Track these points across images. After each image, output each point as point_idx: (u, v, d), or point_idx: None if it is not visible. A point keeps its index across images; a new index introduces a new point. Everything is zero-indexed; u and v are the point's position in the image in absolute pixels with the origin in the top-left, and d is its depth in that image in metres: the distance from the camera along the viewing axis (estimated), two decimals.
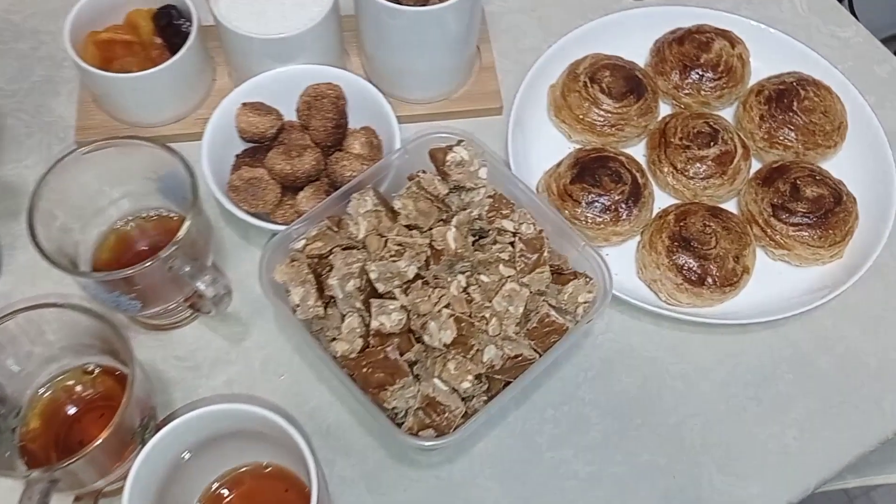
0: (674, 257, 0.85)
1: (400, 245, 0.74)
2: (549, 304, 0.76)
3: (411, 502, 0.78)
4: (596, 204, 0.87)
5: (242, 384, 0.83)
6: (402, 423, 0.72)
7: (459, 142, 0.80)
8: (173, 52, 0.90)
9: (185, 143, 0.93)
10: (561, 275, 0.79)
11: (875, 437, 0.83)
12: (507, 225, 0.79)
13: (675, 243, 0.86)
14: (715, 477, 0.80)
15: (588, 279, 0.77)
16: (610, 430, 0.82)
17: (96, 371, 0.75)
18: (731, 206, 0.93)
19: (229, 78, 0.98)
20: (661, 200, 0.92)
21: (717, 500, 0.79)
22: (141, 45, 0.93)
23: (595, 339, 0.86)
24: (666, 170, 0.92)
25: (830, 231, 0.87)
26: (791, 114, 0.93)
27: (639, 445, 0.81)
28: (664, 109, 0.98)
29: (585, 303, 0.77)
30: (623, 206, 0.88)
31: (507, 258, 0.76)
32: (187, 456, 0.68)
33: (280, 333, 0.85)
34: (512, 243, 0.78)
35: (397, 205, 0.77)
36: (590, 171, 0.88)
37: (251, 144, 0.89)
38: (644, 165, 0.93)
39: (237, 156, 0.88)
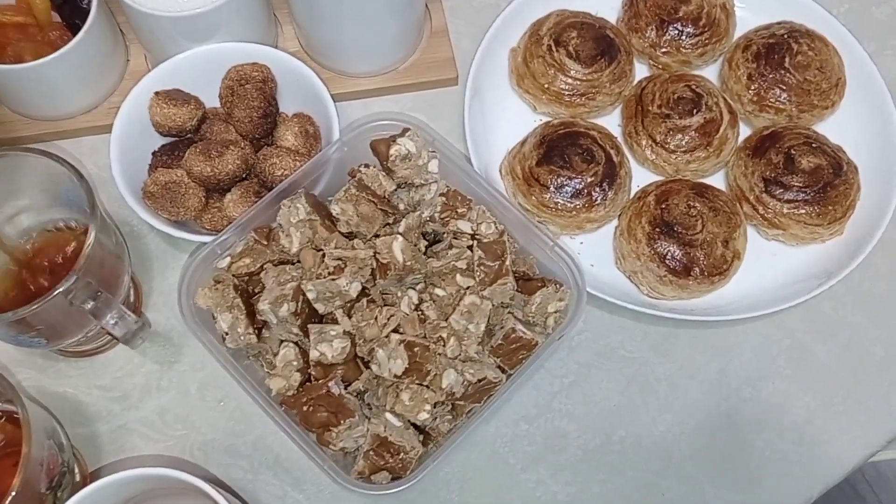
0: (655, 245, 0.75)
1: (339, 259, 0.64)
2: (515, 318, 0.66)
3: None
4: (566, 188, 0.77)
5: (177, 413, 0.74)
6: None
7: (404, 131, 0.69)
8: (75, 32, 0.77)
9: (100, 137, 0.82)
10: (528, 281, 0.69)
11: (882, 436, 0.75)
12: (464, 226, 0.69)
13: (657, 229, 0.76)
14: (708, 492, 0.72)
15: (558, 286, 0.68)
16: (590, 445, 0.74)
17: None
18: (717, 180, 0.83)
19: (146, 59, 0.85)
20: (640, 177, 0.82)
21: None
22: (37, 26, 0.80)
23: (571, 341, 0.77)
24: (644, 143, 0.81)
25: (830, 207, 0.77)
26: (783, 71, 0.82)
27: (623, 460, 0.73)
28: (640, 71, 0.87)
29: (556, 312, 0.67)
30: (597, 189, 0.77)
31: (464, 266, 0.66)
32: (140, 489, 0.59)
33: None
34: (471, 247, 0.68)
35: (335, 210, 0.67)
36: (558, 151, 0.78)
37: (171, 139, 0.78)
38: (620, 139, 0.83)
39: (154, 153, 0.77)
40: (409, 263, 0.64)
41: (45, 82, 0.78)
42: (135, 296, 0.77)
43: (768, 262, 0.80)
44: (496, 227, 0.69)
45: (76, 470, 0.69)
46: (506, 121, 0.85)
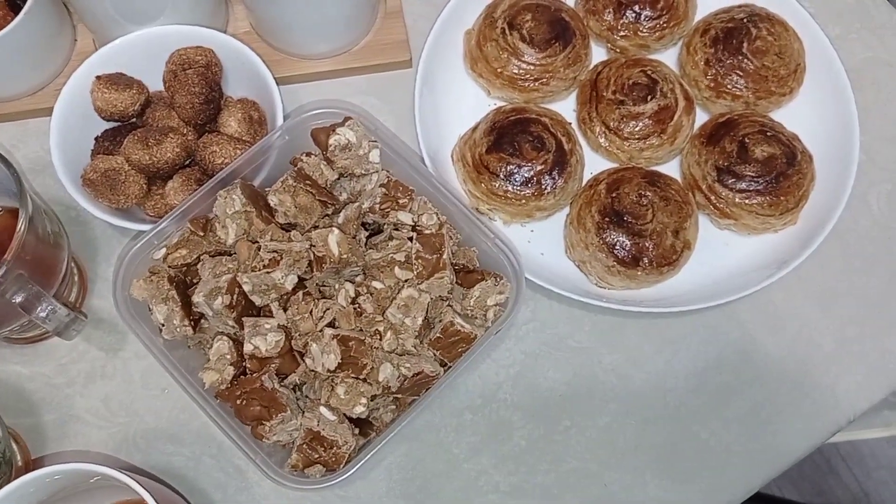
0: (604, 235, 0.75)
1: (275, 252, 0.63)
2: (455, 311, 0.66)
3: None
4: (515, 176, 0.76)
5: (121, 401, 0.74)
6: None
7: (345, 120, 0.68)
8: (17, 11, 0.75)
9: (46, 119, 0.81)
10: (468, 274, 0.68)
11: (827, 428, 0.75)
12: (405, 217, 0.68)
13: (606, 219, 0.75)
14: (650, 482, 0.72)
15: (498, 279, 0.67)
16: (535, 435, 0.73)
17: None
18: (672, 168, 0.82)
19: (93, 41, 0.84)
20: (593, 164, 0.81)
21: None
22: None
23: (518, 331, 0.76)
24: (598, 129, 0.80)
25: (782, 197, 0.76)
26: (740, 57, 0.80)
27: (566, 451, 0.73)
28: (598, 54, 0.85)
29: (497, 305, 0.67)
30: (546, 177, 0.76)
31: (403, 259, 0.66)
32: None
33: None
34: (411, 239, 0.67)
35: (273, 201, 0.66)
36: (508, 138, 0.77)
37: (114, 123, 0.76)
38: (574, 124, 0.81)
39: (97, 139, 0.76)
40: (345, 256, 0.64)
41: None
42: (79, 282, 0.76)
43: (720, 251, 0.79)
44: (437, 219, 0.68)
45: (18, 459, 0.69)
46: (459, 105, 0.84)
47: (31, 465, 0.71)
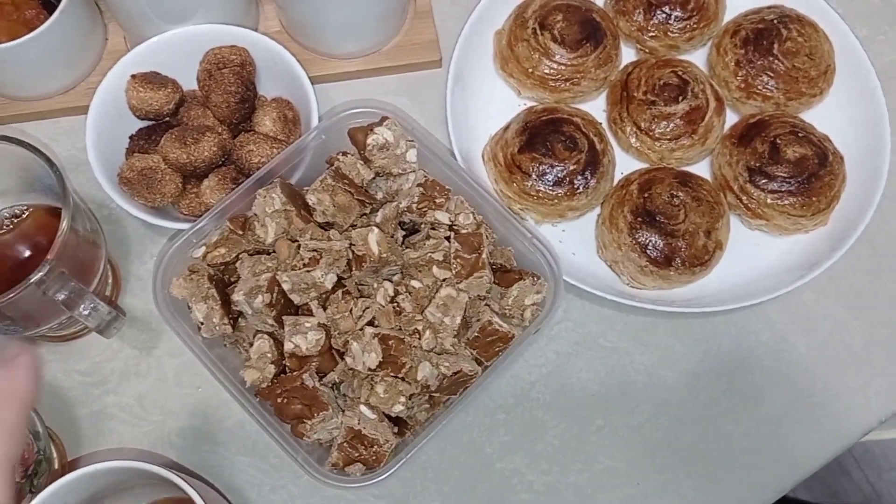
0: (637, 235, 0.75)
1: (314, 251, 0.63)
2: (492, 310, 0.66)
3: None
4: (548, 176, 0.76)
5: (155, 399, 0.74)
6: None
7: (383, 119, 0.69)
8: (51, 10, 0.76)
9: (78, 118, 0.81)
10: (505, 273, 0.68)
11: (859, 428, 0.75)
12: (442, 217, 0.68)
13: (639, 219, 0.75)
14: (683, 482, 0.73)
15: (535, 278, 0.67)
16: (567, 435, 0.74)
17: None
18: (702, 169, 0.82)
19: (125, 39, 0.84)
20: (624, 164, 0.81)
21: None
22: (12, 4, 0.78)
23: (550, 331, 0.77)
24: (628, 130, 0.80)
25: (814, 198, 0.76)
26: (771, 58, 0.81)
27: (599, 450, 0.73)
28: (627, 55, 0.85)
29: (534, 305, 0.67)
30: (579, 177, 0.76)
31: (441, 258, 0.66)
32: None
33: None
34: (448, 238, 0.67)
35: (311, 200, 0.66)
36: (541, 138, 0.77)
37: (148, 122, 0.77)
38: (604, 125, 0.82)
39: (131, 137, 0.76)
40: (384, 255, 0.64)
41: (20, 63, 0.76)
42: (112, 281, 0.76)
43: (751, 252, 0.79)
44: (474, 218, 0.68)
45: (54, 456, 0.69)
46: (490, 105, 0.84)
47: (66, 464, 0.71)
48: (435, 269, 0.66)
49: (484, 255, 0.65)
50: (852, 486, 1.78)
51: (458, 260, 0.65)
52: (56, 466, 0.68)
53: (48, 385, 0.74)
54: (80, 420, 0.74)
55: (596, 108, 0.84)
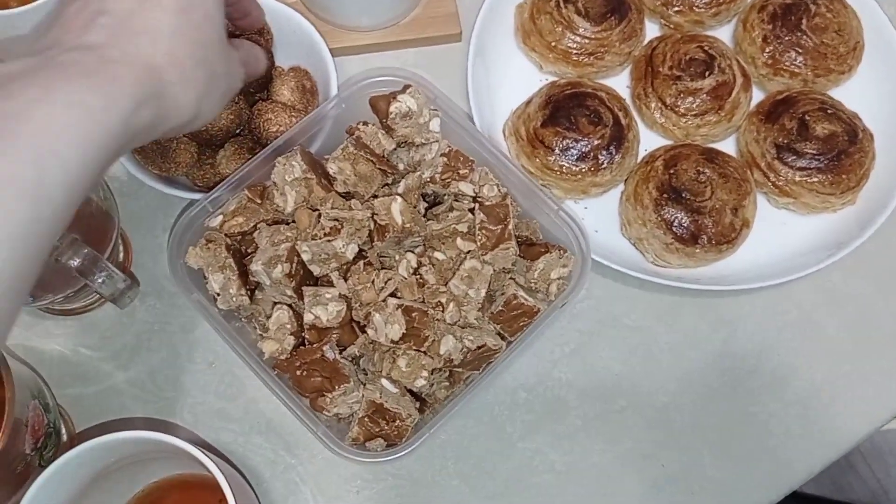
0: (662, 212, 0.73)
1: (335, 220, 0.62)
2: (517, 283, 0.64)
3: None
4: (571, 150, 0.75)
5: (167, 375, 0.72)
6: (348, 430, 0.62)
7: (405, 87, 0.67)
8: None
9: None
10: (531, 246, 0.67)
11: (888, 410, 0.73)
12: (466, 188, 0.66)
13: (664, 195, 0.73)
14: (708, 464, 0.71)
15: (562, 252, 0.65)
16: (590, 415, 0.72)
17: None
18: (727, 146, 0.80)
19: None
20: (648, 141, 0.79)
21: (710, 490, 0.70)
22: None
23: (573, 309, 0.75)
24: (653, 105, 0.78)
25: (844, 176, 0.75)
26: (799, 34, 0.79)
27: (623, 431, 0.72)
28: (651, 30, 0.84)
29: (559, 279, 0.65)
30: (603, 152, 0.75)
31: (465, 230, 0.64)
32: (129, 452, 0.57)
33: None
34: (472, 210, 0.65)
35: (332, 169, 0.64)
36: (564, 112, 0.75)
37: None
38: (628, 100, 0.80)
39: None
40: (408, 226, 0.62)
41: None
42: (124, 254, 0.74)
43: (777, 231, 0.78)
44: (499, 190, 0.66)
45: (63, 430, 0.67)
46: (510, 80, 0.82)
47: (74, 438, 0.69)
48: (459, 240, 0.64)
49: (510, 227, 0.63)
50: (859, 482, 1.76)
51: (484, 231, 0.64)
52: (65, 440, 0.66)
53: (56, 359, 0.72)
54: (89, 396, 0.72)
55: (619, 83, 0.82)
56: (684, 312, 0.75)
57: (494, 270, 0.63)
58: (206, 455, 0.53)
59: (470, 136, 0.68)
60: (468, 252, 0.64)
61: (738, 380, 0.73)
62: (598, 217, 0.77)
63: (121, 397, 0.72)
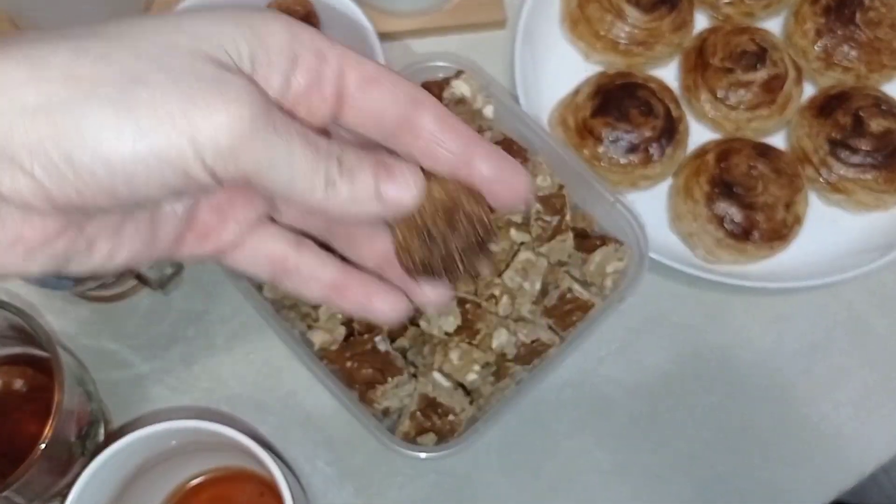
0: (713, 206, 0.71)
1: None
2: (572, 277, 0.62)
3: (407, 502, 0.67)
4: (621, 142, 0.73)
5: (204, 366, 0.70)
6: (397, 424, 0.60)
7: (459, 73, 0.65)
8: None
9: None
10: (586, 239, 0.65)
11: None
12: None
13: (716, 189, 0.71)
14: (759, 465, 0.69)
15: (619, 245, 0.64)
16: (637, 414, 0.70)
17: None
18: (777, 140, 0.78)
19: None
20: (697, 134, 0.77)
21: (760, 492, 0.69)
22: None
23: (620, 306, 0.73)
24: (703, 97, 0.77)
25: None
26: (853, 28, 0.77)
27: (671, 431, 0.70)
28: (700, 22, 0.82)
29: (615, 273, 0.64)
30: (654, 144, 0.73)
31: (519, 221, 0.62)
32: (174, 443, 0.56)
33: (248, 303, 0.72)
34: None
35: None
36: (615, 102, 0.73)
37: None
38: (677, 93, 0.78)
39: None
40: None
41: None
42: None
43: (828, 229, 0.76)
44: (553, 181, 0.64)
45: (103, 419, 0.65)
46: (555, 69, 0.80)
47: (112, 426, 0.68)
48: (513, 231, 0.62)
49: (567, 218, 0.62)
50: (874, 487, 1.75)
51: (539, 222, 0.62)
52: (105, 429, 0.65)
53: (91, 348, 0.70)
54: (124, 384, 0.70)
55: (666, 75, 0.80)
56: (733, 311, 0.74)
57: (549, 263, 0.62)
58: (263, 450, 0.51)
59: (523, 124, 0.66)
60: (522, 243, 0.62)
61: (788, 381, 0.72)
62: (645, 211, 0.75)
63: (156, 387, 0.70)
